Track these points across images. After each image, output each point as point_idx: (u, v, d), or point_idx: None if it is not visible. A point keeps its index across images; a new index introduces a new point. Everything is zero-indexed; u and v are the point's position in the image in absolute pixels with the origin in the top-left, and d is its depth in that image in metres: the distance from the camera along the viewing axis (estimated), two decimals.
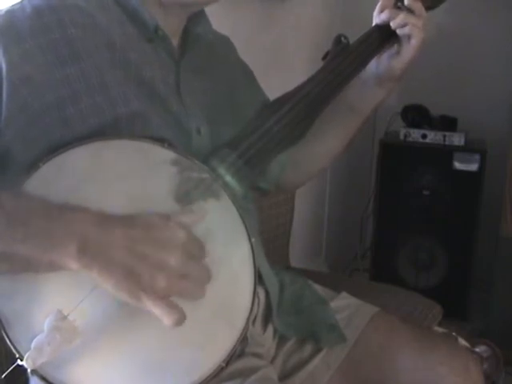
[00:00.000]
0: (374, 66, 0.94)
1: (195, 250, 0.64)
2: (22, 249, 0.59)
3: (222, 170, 0.75)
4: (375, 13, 0.93)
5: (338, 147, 1.04)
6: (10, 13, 0.74)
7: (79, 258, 0.59)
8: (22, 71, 0.70)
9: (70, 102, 0.72)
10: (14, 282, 0.63)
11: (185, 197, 0.69)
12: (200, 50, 0.88)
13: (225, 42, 1.01)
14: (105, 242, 0.60)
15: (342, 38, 0.90)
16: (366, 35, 0.92)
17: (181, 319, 0.61)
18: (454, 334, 1.47)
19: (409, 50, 0.90)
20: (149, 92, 0.78)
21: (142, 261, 0.60)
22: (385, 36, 0.91)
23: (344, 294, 1.07)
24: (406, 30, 0.89)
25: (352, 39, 0.92)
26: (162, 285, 0.60)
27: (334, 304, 1.02)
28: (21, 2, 0.76)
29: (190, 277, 0.63)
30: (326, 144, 1.02)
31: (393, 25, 0.89)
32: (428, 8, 0.92)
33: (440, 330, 1.50)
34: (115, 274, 0.60)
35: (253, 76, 1.04)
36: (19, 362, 0.62)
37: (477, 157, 2.12)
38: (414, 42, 0.89)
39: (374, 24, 0.93)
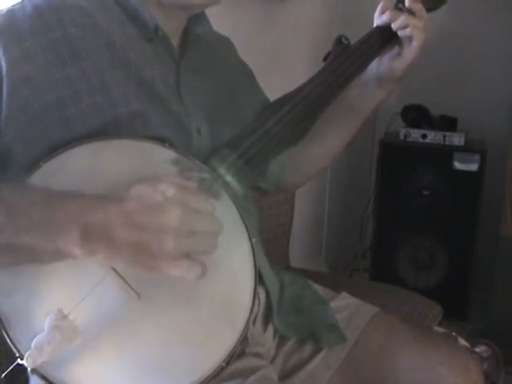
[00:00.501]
0: (374, 66, 0.94)
1: (195, 203, 0.64)
2: (26, 239, 0.60)
3: (222, 170, 0.75)
4: (376, 14, 0.93)
5: (338, 147, 1.04)
6: (11, 12, 0.74)
7: (83, 244, 0.60)
8: (22, 70, 0.70)
9: (70, 102, 0.72)
10: (14, 280, 0.64)
11: None
12: (200, 50, 0.88)
13: (225, 43, 1.01)
14: (104, 223, 0.60)
15: (343, 39, 0.90)
16: (367, 36, 0.92)
17: (203, 271, 0.62)
18: (454, 334, 1.47)
19: (410, 52, 0.90)
20: (149, 92, 0.78)
21: (144, 231, 0.60)
22: (386, 37, 0.91)
23: (344, 294, 1.07)
24: (407, 31, 0.89)
25: (352, 40, 0.92)
26: (172, 246, 0.60)
27: (333, 304, 1.02)
28: (21, 1, 0.76)
29: (198, 231, 0.63)
30: (325, 144, 1.03)
31: (394, 26, 0.89)
32: (429, 9, 0.93)
33: (440, 329, 1.50)
34: (123, 252, 0.60)
35: (252, 76, 1.04)
36: (19, 361, 0.62)
37: (477, 157, 2.12)
38: (415, 43, 0.89)
39: (374, 25, 0.93)
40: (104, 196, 0.63)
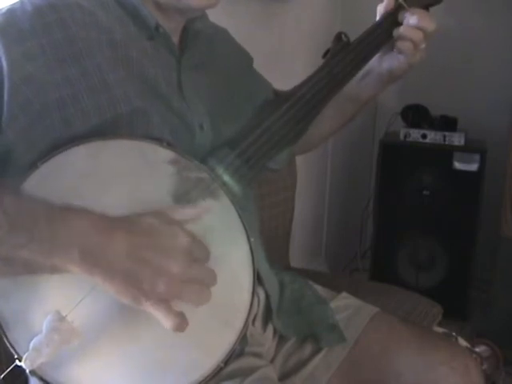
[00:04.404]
0: (376, 62, 0.95)
1: (198, 253, 0.64)
2: (25, 253, 0.59)
3: (220, 170, 0.75)
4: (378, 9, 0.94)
5: (331, 130, 1.07)
6: (11, 12, 0.73)
7: (81, 263, 0.59)
8: (23, 71, 0.70)
9: (71, 103, 0.71)
10: (12, 283, 0.63)
11: (183, 196, 0.69)
12: (200, 45, 0.88)
13: (224, 35, 1.01)
14: (106, 248, 0.60)
15: (343, 36, 0.90)
16: (366, 34, 0.92)
17: (181, 324, 0.61)
18: (453, 334, 1.47)
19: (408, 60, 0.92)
20: (151, 90, 0.78)
21: (143, 266, 0.60)
22: (385, 35, 0.91)
23: (344, 294, 1.07)
24: (406, 46, 0.90)
25: (352, 38, 0.92)
26: (162, 289, 0.60)
27: (333, 304, 1.02)
28: (20, 0, 0.75)
29: (193, 280, 0.63)
30: (318, 126, 1.03)
31: (394, 34, 0.90)
32: (429, 5, 0.93)
33: (440, 329, 1.49)
34: (117, 280, 0.60)
35: (252, 66, 1.05)
36: (18, 362, 0.62)
37: (477, 157, 2.12)
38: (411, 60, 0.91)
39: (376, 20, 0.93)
40: (112, 218, 0.62)
